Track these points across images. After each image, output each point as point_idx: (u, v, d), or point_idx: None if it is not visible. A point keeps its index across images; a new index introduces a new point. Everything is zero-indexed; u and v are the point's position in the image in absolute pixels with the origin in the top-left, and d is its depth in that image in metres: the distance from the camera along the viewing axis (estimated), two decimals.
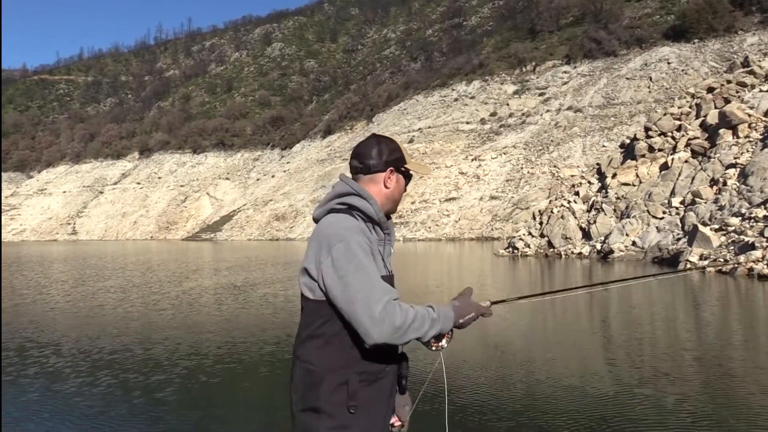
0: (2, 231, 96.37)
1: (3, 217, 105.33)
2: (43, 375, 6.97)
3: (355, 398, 1.96)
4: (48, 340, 9.22)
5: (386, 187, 2.14)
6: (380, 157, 2.14)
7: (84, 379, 6.73)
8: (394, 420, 2.11)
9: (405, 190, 2.23)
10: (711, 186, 21.97)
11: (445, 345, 2.05)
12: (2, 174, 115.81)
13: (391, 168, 2.14)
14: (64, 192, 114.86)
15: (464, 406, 5.29)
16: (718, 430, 4.59)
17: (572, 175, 48.72)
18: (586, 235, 25.16)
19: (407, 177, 2.22)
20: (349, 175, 2.19)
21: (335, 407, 1.95)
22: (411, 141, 72.29)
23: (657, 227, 21.67)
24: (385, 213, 2.15)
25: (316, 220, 2.14)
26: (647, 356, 7.25)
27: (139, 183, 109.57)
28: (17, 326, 10.59)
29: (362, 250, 1.93)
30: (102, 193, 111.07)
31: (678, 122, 27.31)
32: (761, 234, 16.02)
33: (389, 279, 2.06)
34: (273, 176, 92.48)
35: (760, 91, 25.62)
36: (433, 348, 2.03)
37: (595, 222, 25.29)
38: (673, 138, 26.67)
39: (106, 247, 62.73)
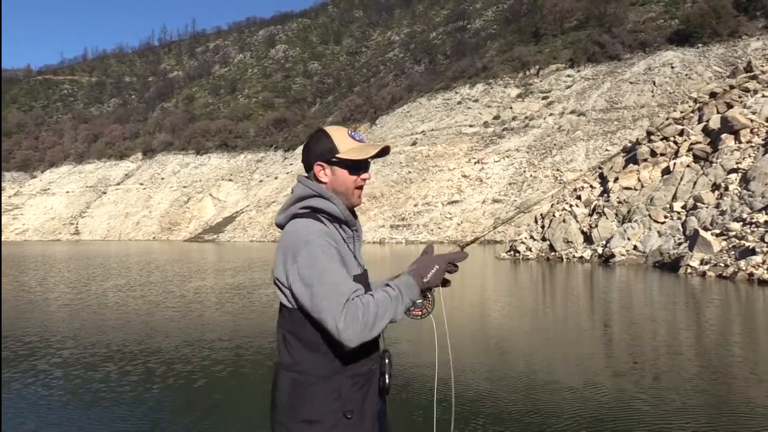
0: (5, 231, 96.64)
1: (6, 217, 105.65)
2: (62, 366, 7.18)
3: (350, 403, 1.91)
4: (65, 334, 9.51)
5: (320, 181, 2.04)
6: (308, 153, 2.06)
7: (104, 370, 6.93)
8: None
9: (361, 180, 2.07)
10: (713, 191, 22.06)
11: (430, 310, 2.00)
12: (6, 174, 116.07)
13: (319, 162, 2.03)
14: (67, 192, 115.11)
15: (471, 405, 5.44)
16: (712, 428, 4.74)
17: (575, 179, 48.80)
18: (588, 239, 25.26)
19: (356, 165, 2.04)
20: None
21: (331, 416, 1.89)
22: (414, 144, 72.50)
23: (658, 232, 21.78)
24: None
25: (279, 227, 2.04)
26: (644, 357, 7.39)
27: (142, 184, 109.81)
28: (35, 321, 10.89)
29: (326, 256, 1.87)
30: (105, 193, 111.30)
31: (680, 127, 27.41)
32: (762, 239, 16.12)
33: (363, 276, 2.01)
34: (276, 178, 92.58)
35: (763, 96, 25.69)
36: (418, 317, 1.98)
37: (596, 226, 25.38)
38: (676, 143, 26.77)
39: (109, 247, 62.95)
